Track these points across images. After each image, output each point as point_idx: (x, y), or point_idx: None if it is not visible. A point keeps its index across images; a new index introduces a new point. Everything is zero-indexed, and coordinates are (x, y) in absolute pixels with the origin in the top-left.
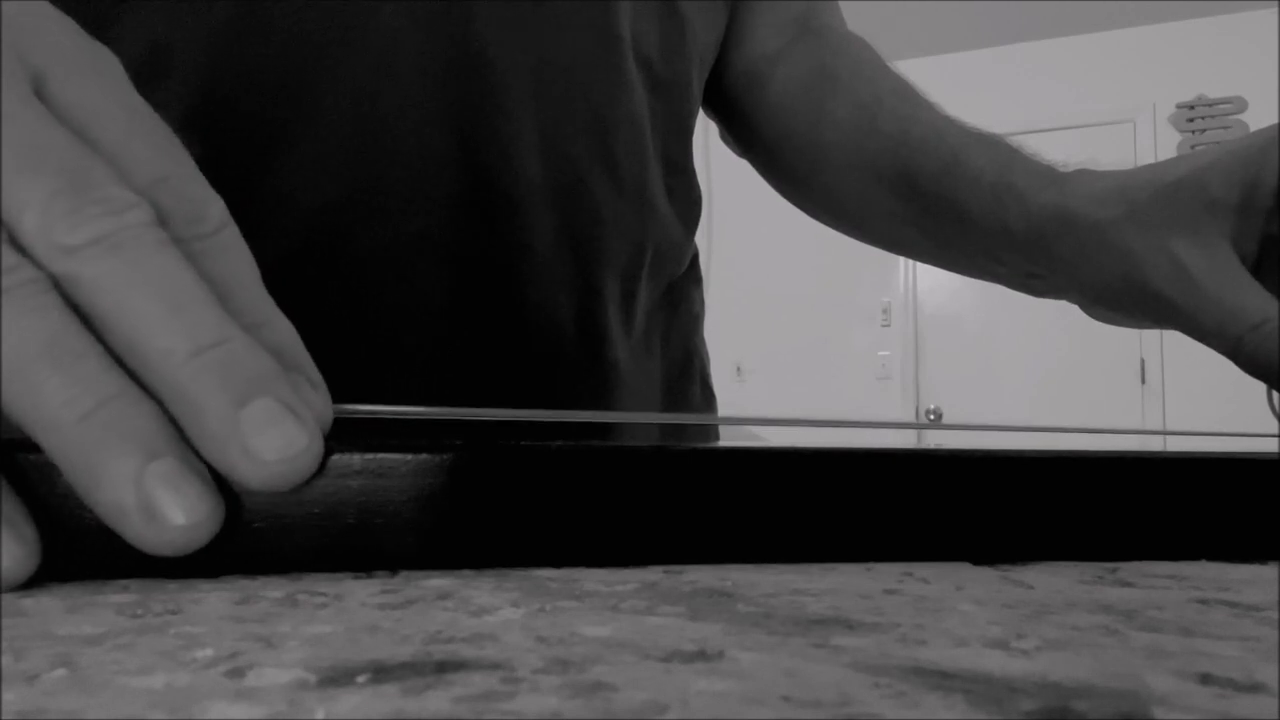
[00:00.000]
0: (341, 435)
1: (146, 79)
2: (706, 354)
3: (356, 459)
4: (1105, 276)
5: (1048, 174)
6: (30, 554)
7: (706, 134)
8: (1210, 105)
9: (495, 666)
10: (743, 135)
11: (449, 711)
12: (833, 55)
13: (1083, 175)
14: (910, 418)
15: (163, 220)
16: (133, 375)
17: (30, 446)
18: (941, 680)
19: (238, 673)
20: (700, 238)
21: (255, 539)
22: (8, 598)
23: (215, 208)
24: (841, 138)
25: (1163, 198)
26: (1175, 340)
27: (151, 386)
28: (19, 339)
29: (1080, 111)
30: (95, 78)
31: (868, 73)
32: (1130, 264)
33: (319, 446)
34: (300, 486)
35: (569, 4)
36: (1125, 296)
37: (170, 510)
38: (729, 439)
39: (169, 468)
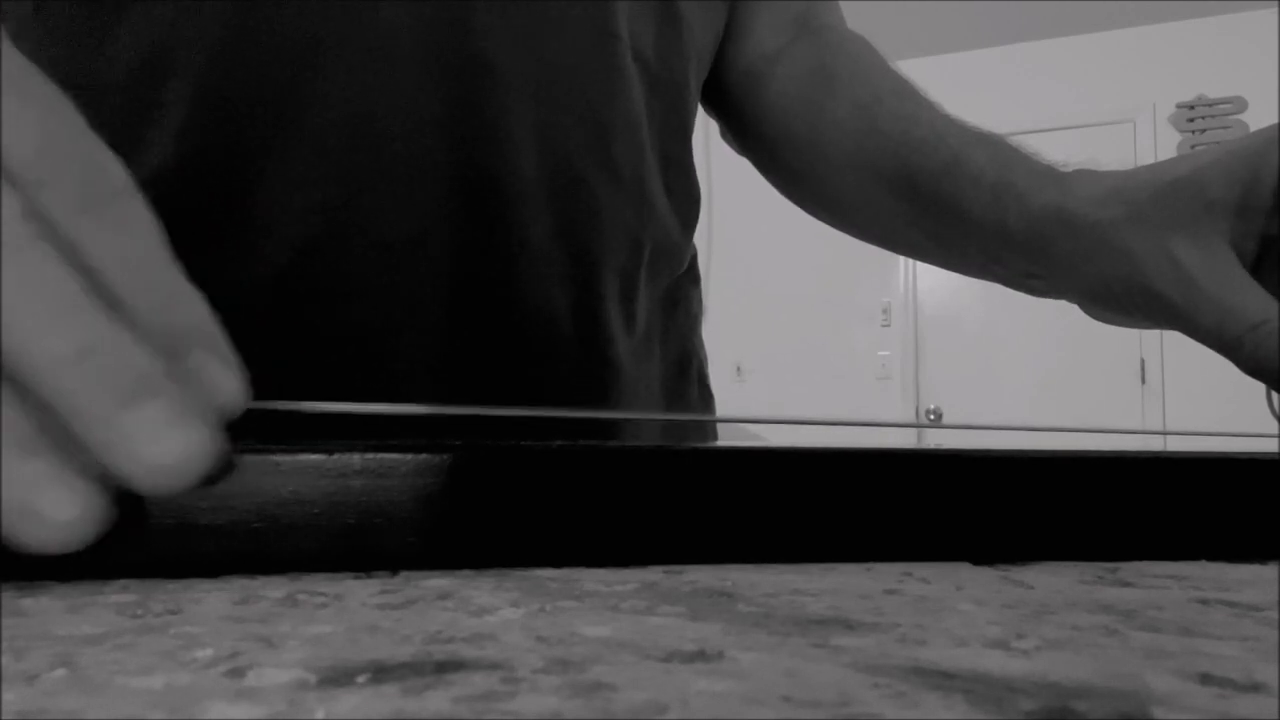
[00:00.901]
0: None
1: (148, 81)
2: (705, 354)
3: (356, 459)
4: (1105, 277)
5: (1048, 174)
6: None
7: (706, 134)
8: (1210, 105)
9: (495, 666)
10: (743, 134)
11: (449, 711)
12: (832, 55)
13: (1082, 175)
14: (910, 418)
15: (52, 193)
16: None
17: None
18: (941, 680)
19: (238, 673)
20: (700, 238)
21: (255, 539)
22: (8, 598)
23: (111, 173)
24: (841, 137)
25: (1162, 198)
26: (1175, 340)
27: (36, 393)
28: None
29: (1080, 111)
30: None
31: (867, 72)
32: (1130, 264)
33: (216, 443)
34: (214, 487)
35: (566, 3)
36: (1125, 297)
37: (47, 508)
38: (729, 439)
39: (43, 466)
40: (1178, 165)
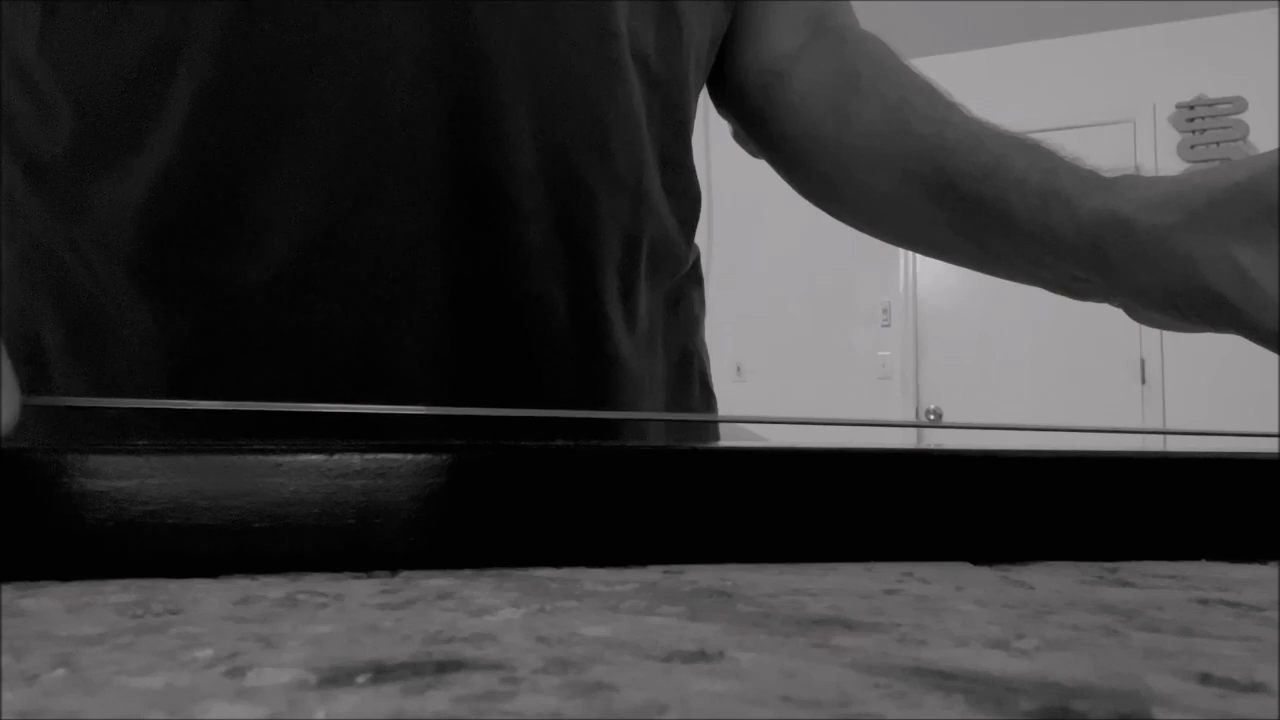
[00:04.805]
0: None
1: (150, 77)
2: (707, 355)
3: (356, 459)
4: (1163, 281)
5: (1093, 179)
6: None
7: (706, 134)
8: (1210, 105)
9: (495, 666)
10: (761, 135)
11: (449, 711)
12: (854, 54)
13: (1132, 180)
14: (910, 418)
15: None
16: None
17: (31, 450)
18: (941, 680)
19: (238, 673)
20: (700, 238)
21: (255, 539)
22: (8, 598)
23: None
24: (871, 138)
25: (1221, 203)
26: (1175, 340)
27: None
28: None
29: (1080, 111)
30: None
31: (893, 73)
32: (1191, 268)
33: None
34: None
35: (566, 2)
36: (1184, 301)
37: None
38: (729, 439)
39: None
40: (1235, 170)
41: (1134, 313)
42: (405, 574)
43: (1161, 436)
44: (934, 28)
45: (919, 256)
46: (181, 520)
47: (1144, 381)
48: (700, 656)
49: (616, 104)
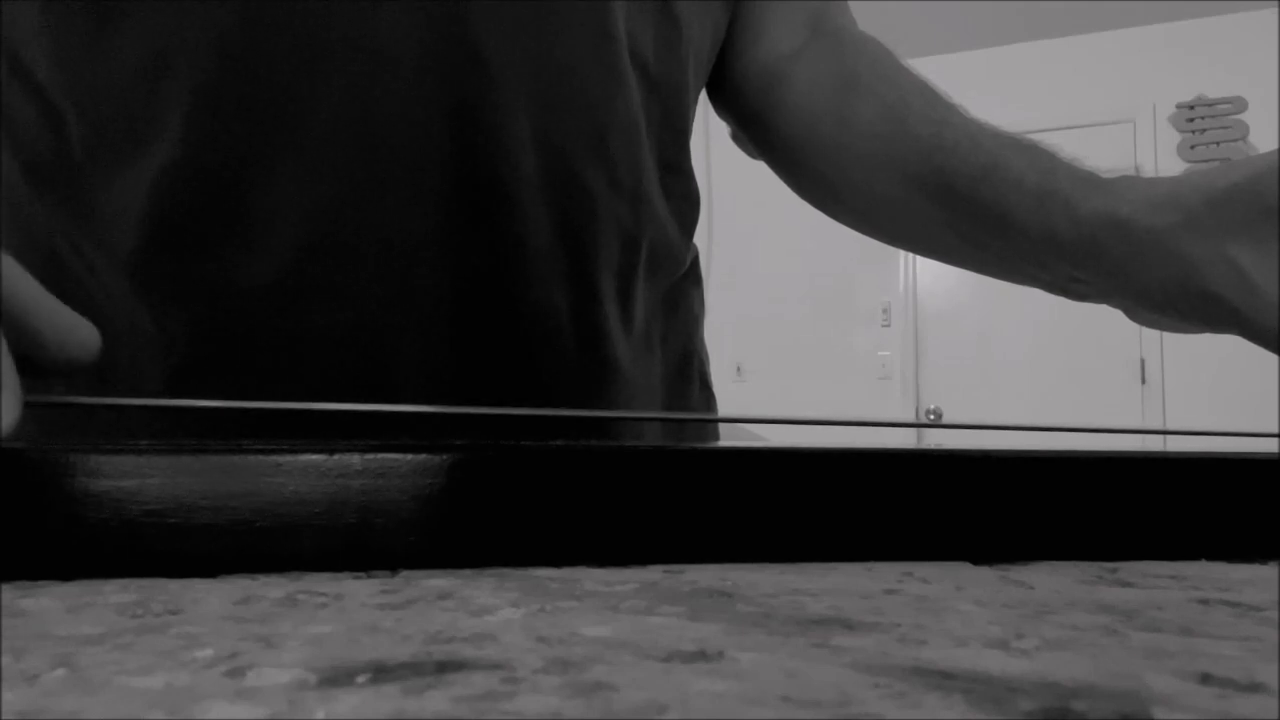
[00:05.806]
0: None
1: (150, 84)
2: (706, 355)
3: (356, 459)
4: (1161, 282)
5: (1091, 180)
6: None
7: (706, 135)
8: (1210, 105)
9: (495, 666)
10: (760, 136)
11: (449, 711)
12: (853, 56)
13: (1130, 182)
14: (910, 418)
15: None
16: None
17: (31, 450)
18: (941, 680)
19: (238, 673)
20: (700, 238)
21: (256, 539)
22: (8, 598)
23: None
24: (870, 139)
25: (1218, 203)
26: (1175, 340)
27: None
28: None
29: (1080, 111)
30: None
31: (891, 75)
32: (1189, 269)
33: None
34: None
35: (565, 4)
36: (1181, 302)
37: None
38: (729, 439)
39: None
40: (1232, 171)
41: (1133, 313)
42: (405, 574)
43: (1161, 436)
44: (934, 28)
45: (919, 257)
46: (182, 520)
47: (1144, 381)
48: (700, 656)
49: (615, 107)
